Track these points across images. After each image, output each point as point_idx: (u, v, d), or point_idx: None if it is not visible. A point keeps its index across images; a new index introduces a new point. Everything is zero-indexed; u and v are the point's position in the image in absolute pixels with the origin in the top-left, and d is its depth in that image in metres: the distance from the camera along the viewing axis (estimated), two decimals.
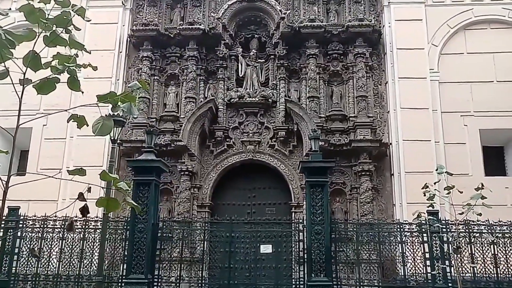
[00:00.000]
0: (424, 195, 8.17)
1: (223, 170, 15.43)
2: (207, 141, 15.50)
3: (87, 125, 3.63)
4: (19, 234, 11.47)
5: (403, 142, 14.42)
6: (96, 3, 16.34)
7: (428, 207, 8.12)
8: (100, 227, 11.08)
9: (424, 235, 9.96)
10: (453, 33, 15.32)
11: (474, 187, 13.14)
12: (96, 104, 3.75)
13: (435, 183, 7.76)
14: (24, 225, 11.51)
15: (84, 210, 3.49)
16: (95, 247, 11.13)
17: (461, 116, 14.58)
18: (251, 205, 15.26)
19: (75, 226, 11.32)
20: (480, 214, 7.73)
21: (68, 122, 3.92)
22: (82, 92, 3.98)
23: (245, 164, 15.48)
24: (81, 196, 3.48)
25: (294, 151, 15.15)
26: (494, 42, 15.05)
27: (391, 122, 14.87)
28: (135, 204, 4.14)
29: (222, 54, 15.76)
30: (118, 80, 15.91)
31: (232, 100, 15.48)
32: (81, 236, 11.27)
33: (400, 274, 10.50)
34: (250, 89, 15.63)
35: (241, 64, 15.90)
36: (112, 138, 10.43)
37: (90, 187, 3.43)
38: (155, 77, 15.97)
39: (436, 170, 7.97)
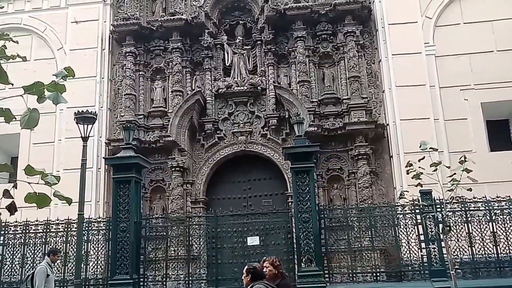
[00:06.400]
0: (408, 173, 7.57)
1: (216, 164, 14.90)
2: (197, 135, 14.98)
3: (15, 119, 3.29)
4: (1, 241, 11.16)
5: (401, 122, 13.67)
6: (76, 0, 15.91)
7: (416, 186, 7.52)
8: (83, 228, 10.68)
9: (418, 216, 9.29)
10: (447, 3, 14.47)
11: (478, 164, 12.39)
12: (21, 96, 3.40)
13: (419, 160, 7.15)
14: (6, 232, 11.16)
15: (11, 208, 3.23)
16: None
17: (460, 90, 13.77)
18: (247, 197, 14.70)
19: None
20: (470, 190, 7.09)
21: None
22: (12, 84, 3.62)
23: (238, 156, 14.93)
24: (6, 193, 3.23)
25: (287, 139, 14.49)
26: (492, 9, 14.15)
27: (387, 102, 14.13)
28: (65, 197, 3.82)
29: (206, 43, 15.18)
30: (102, 78, 15.47)
31: (220, 90, 14.92)
32: (64, 240, 10.89)
33: (394, 258, 9.86)
34: (238, 78, 15.04)
35: (227, 53, 15.31)
36: (83, 136, 9.95)
37: (16, 184, 3.17)
38: (140, 73, 15.48)
39: (420, 146, 7.32)
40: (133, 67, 15.31)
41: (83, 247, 10.49)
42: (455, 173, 6.90)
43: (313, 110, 14.03)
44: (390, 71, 14.12)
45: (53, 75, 3.62)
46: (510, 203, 9.24)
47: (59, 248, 10.87)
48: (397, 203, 9.86)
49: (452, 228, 9.11)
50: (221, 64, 15.33)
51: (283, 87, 14.51)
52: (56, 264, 10.74)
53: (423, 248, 9.10)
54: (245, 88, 14.80)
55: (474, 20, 14.23)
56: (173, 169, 14.37)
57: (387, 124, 13.99)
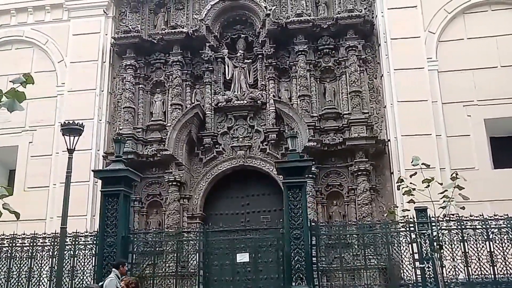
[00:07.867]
0: (398, 189, 7.29)
1: (214, 179, 14.64)
2: (195, 149, 14.76)
3: None
4: None
5: (402, 138, 13.32)
6: (78, 13, 15.96)
7: (409, 202, 7.24)
8: (70, 243, 10.48)
9: (413, 234, 8.91)
10: (451, 18, 14.20)
11: (481, 182, 11.95)
12: None
13: (411, 176, 6.88)
14: None
15: None
16: (65, 265, 10.45)
17: (463, 106, 13.41)
18: (245, 213, 14.39)
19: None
20: (463, 208, 6.78)
21: None
22: None
23: (237, 171, 14.66)
24: None
25: (287, 154, 14.16)
26: (496, 24, 13.84)
27: (388, 117, 13.81)
28: (13, 210, 3.72)
29: (207, 57, 15.05)
30: (102, 91, 15.40)
31: (220, 104, 14.74)
32: (50, 254, 10.66)
33: (390, 277, 9.44)
34: (238, 92, 14.86)
35: (228, 66, 15.15)
36: (68, 148, 9.78)
37: None
38: (140, 86, 15.38)
39: (412, 162, 7.05)
40: (133, 80, 15.23)
41: (70, 262, 10.27)
42: (446, 190, 6.59)
43: (313, 125, 13.76)
44: (392, 86, 13.83)
45: (10, 81, 3.42)
46: (508, 221, 8.83)
47: (45, 263, 10.70)
48: (391, 220, 9.48)
49: (448, 247, 8.73)
50: (222, 77, 15.18)
51: (283, 102, 14.29)
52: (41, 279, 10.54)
53: (417, 267, 8.71)
54: (245, 102, 14.60)
55: (478, 35, 13.94)
56: (170, 183, 14.14)
57: (388, 140, 13.66)
